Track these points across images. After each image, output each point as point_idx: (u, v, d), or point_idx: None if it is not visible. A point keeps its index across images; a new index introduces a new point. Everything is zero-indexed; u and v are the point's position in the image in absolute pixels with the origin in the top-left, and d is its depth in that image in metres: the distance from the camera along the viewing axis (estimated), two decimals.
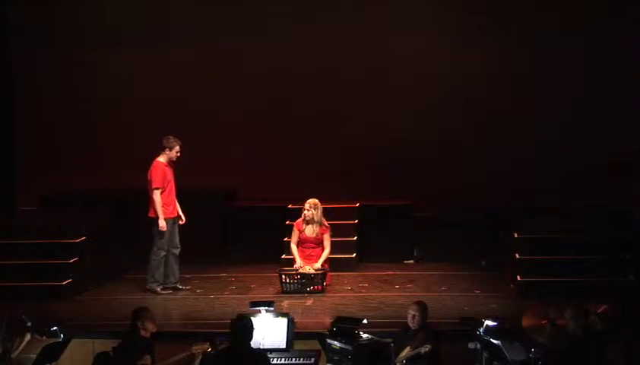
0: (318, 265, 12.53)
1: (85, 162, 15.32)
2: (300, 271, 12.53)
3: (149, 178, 12.47)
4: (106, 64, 15.45)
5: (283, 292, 12.43)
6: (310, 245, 12.74)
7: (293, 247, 12.78)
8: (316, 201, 12.73)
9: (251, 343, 8.67)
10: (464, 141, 15.12)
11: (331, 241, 12.79)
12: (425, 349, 9.15)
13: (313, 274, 12.46)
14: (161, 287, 12.65)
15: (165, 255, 12.57)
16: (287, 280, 12.43)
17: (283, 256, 13.20)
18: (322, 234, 12.69)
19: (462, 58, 15.08)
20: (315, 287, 12.43)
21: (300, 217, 12.88)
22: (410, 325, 9.55)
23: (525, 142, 15.04)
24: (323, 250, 12.72)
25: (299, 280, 12.42)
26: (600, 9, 14.91)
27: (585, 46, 15.00)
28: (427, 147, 15.11)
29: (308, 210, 12.67)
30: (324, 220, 12.75)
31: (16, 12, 15.48)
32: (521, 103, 15.12)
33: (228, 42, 15.30)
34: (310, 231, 12.71)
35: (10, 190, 15.40)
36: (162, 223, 12.43)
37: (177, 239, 12.66)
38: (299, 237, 12.77)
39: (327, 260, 12.71)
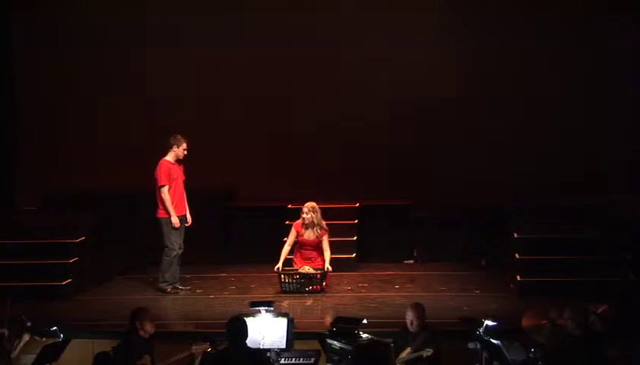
0: (327, 266, 12.51)
1: (85, 162, 15.31)
2: (300, 270, 12.54)
3: (155, 177, 12.48)
4: (105, 64, 15.45)
5: (283, 292, 12.44)
6: (309, 248, 12.73)
7: (286, 248, 12.73)
8: (314, 204, 12.71)
9: (250, 342, 8.70)
10: (463, 141, 15.11)
11: (330, 242, 12.76)
12: (427, 353, 9.12)
13: (312, 274, 12.46)
14: (170, 287, 12.65)
15: (176, 255, 12.57)
16: (287, 280, 12.44)
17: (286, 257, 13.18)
18: (322, 236, 12.68)
19: (461, 58, 15.08)
20: (314, 287, 12.43)
21: (299, 217, 12.87)
22: (410, 329, 9.52)
23: (525, 142, 15.03)
24: (321, 252, 12.70)
25: (299, 280, 12.43)
26: (601, 9, 14.93)
27: (585, 45, 15.00)
28: (427, 147, 15.11)
29: (307, 213, 12.65)
30: (322, 222, 12.73)
31: (16, 12, 15.49)
32: (521, 103, 15.12)
33: (228, 42, 15.30)
34: (309, 234, 12.69)
35: (10, 190, 15.41)
36: (174, 220, 12.43)
37: (182, 239, 12.66)
38: (298, 240, 12.75)
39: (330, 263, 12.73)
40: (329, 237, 12.77)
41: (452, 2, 15.24)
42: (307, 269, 12.53)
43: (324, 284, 12.50)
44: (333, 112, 15.19)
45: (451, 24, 15.15)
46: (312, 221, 12.63)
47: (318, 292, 12.39)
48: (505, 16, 15.15)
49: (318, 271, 12.50)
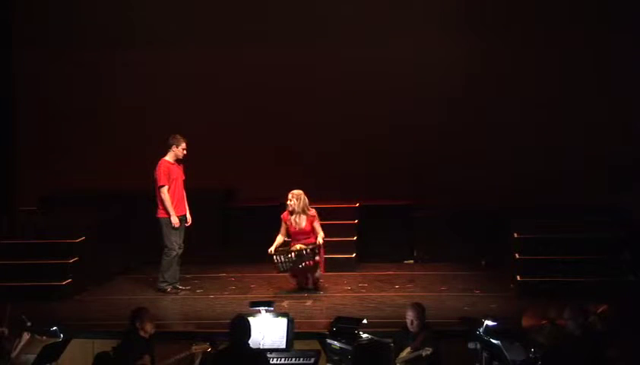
0: (319, 240, 12.44)
1: (85, 162, 15.32)
2: (292, 248, 12.47)
3: (154, 177, 12.48)
4: (106, 64, 15.45)
5: (279, 272, 12.43)
6: (300, 236, 12.62)
7: (279, 238, 12.63)
8: (299, 192, 12.62)
9: (250, 342, 8.70)
10: (463, 141, 15.11)
11: (321, 225, 12.63)
12: (426, 352, 9.13)
13: (303, 248, 12.38)
14: (170, 287, 12.65)
15: (175, 255, 12.57)
16: (280, 260, 12.36)
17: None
18: (310, 223, 12.60)
19: (462, 58, 15.06)
20: (308, 262, 12.36)
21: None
22: (410, 329, 9.53)
23: (525, 142, 15.03)
24: (316, 238, 12.62)
25: (291, 258, 12.34)
26: (601, 10, 14.94)
27: (586, 45, 15.00)
28: (427, 147, 15.11)
29: (290, 200, 12.58)
30: (308, 209, 12.61)
31: (16, 12, 15.49)
32: (521, 103, 15.11)
33: (228, 42, 15.31)
34: (296, 222, 12.62)
35: (10, 190, 15.41)
36: (174, 220, 12.43)
37: (182, 239, 12.66)
38: (289, 231, 12.69)
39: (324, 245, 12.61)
40: (324, 232, 12.62)
41: (454, 2, 15.23)
42: (298, 247, 12.47)
43: (317, 258, 12.34)
44: (333, 111, 15.18)
45: (452, 26, 15.13)
46: (295, 209, 12.58)
47: (312, 268, 12.31)
48: (506, 17, 15.14)
49: (309, 246, 12.44)
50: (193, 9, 15.45)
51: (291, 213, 12.60)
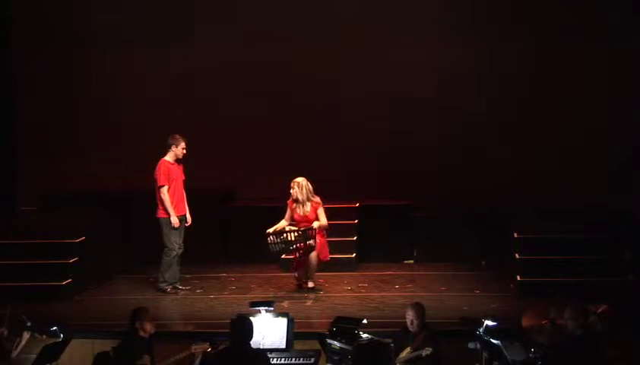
0: (315, 225, 12.38)
1: (85, 162, 15.32)
2: (286, 230, 12.45)
3: (154, 177, 12.49)
4: (106, 64, 15.46)
5: (271, 253, 12.44)
6: (304, 224, 12.56)
7: (282, 222, 12.61)
8: (301, 179, 12.56)
9: (251, 343, 8.69)
10: (464, 142, 15.12)
11: (326, 215, 12.59)
12: (426, 352, 9.13)
13: (294, 231, 12.36)
14: (170, 287, 12.65)
15: (175, 255, 12.56)
16: (273, 240, 12.35)
17: (284, 256, 13.17)
18: (315, 211, 12.54)
19: (462, 58, 15.08)
20: (298, 245, 12.33)
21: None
22: (410, 328, 9.52)
23: (526, 142, 15.04)
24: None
25: (283, 239, 12.34)
26: (600, 9, 14.94)
27: (585, 45, 15.00)
28: (427, 147, 15.12)
29: (292, 188, 12.54)
30: (312, 197, 12.56)
31: (16, 12, 15.49)
32: (521, 104, 15.12)
33: (227, 42, 15.32)
34: (300, 210, 12.59)
35: (10, 190, 15.42)
36: (174, 220, 12.43)
37: (182, 239, 12.66)
38: (294, 217, 12.70)
39: (323, 232, 12.56)
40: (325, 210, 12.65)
41: (455, 3, 15.21)
42: (288, 228, 12.44)
43: (309, 242, 12.29)
44: (333, 112, 15.19)
45: (451, 26, 15.11)
46: (298, 197, 12.55)
47: (300, 250, 12.30)
48: (504, 17, 15.15)
49: (301, 229, 12.41)
50: (193, 9, 15.45)
51: (295, 201, 12.59)
